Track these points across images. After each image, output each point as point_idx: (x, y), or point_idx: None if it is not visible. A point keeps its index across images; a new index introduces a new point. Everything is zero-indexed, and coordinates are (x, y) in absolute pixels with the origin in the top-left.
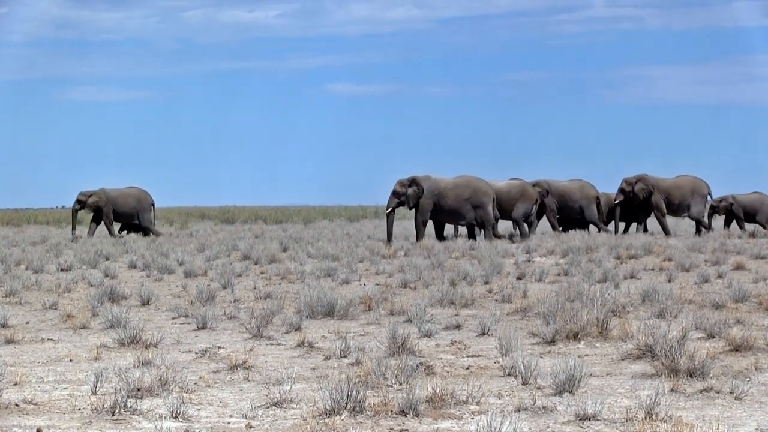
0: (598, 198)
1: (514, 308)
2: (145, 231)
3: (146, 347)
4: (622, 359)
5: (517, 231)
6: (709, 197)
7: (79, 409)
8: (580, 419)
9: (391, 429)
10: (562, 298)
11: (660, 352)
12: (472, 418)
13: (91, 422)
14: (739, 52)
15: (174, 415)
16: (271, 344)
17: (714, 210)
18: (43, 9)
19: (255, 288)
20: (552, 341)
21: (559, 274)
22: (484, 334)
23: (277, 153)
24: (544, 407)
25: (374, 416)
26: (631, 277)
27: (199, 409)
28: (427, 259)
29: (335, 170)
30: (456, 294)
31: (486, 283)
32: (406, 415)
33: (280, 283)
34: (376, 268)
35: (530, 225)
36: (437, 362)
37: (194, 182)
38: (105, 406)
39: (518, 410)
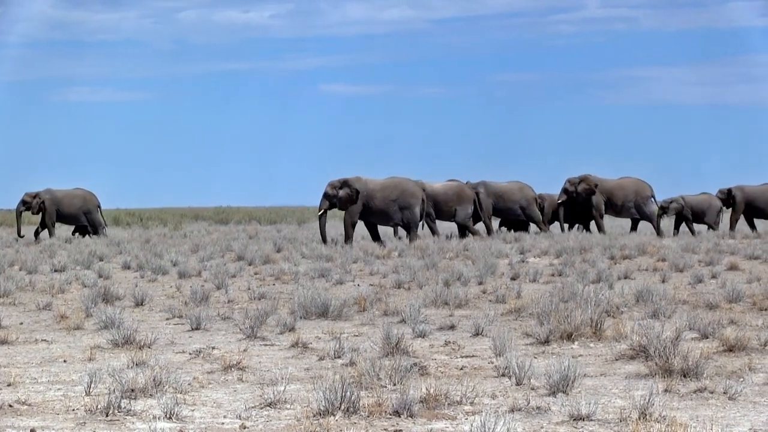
0: (536, 198)
1: (508, 309)
2: (93, 231)
3: (140, 348)
4: (616, 359)
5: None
6: (652, 198)
7: (73, 409)
8: (573, 419)
9: (385, 429)
10: (556, 299)
11: (654, 353)
12: (466, 419)
13: (84, 423)
14: (735, 52)
15: (168, 416)
16: (265, 345)
17: (663, 211)
18: (38, 10)
19: (249, 289)
20: (546, 342)
21: (553, 275)
22: (478, 334)
23: (272, 154)
24: (538, 407)
25: (368, 417)
26: (625, 278)
27: (193, 410)
28: (421, 260)
29: (330, 171)
30: (450, 294)
31: (480, 283)
32: (400, 416)
33: (274, 284)
34: (370, 269)
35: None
36: (431, 363)
37: (188, 183)
38: (99, 406)
39: (512, 410)
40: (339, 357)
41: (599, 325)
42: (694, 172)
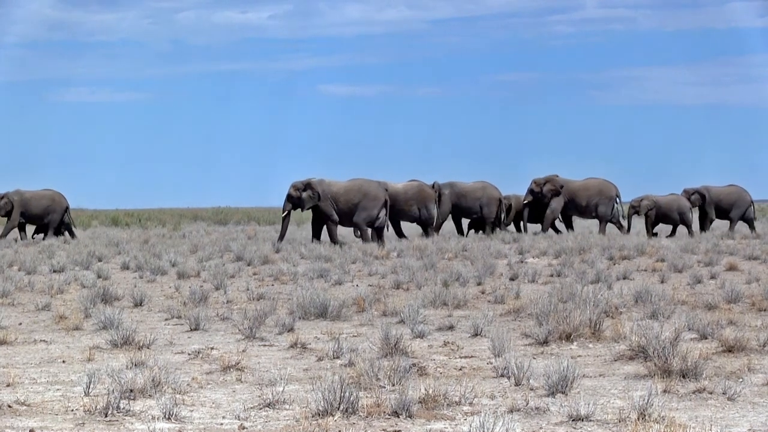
0: (500, 199)
1: (507, 309)
2: (56, 233)
3: (139, 348)
4: (615, 360)
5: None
6: (617, 199)
7: (72, 410)
8: (572, 420)
9: (383, 430)
10: (554, 299)
11: (653, 353)
12: (465, 419)
13: (83, 423)
14: (733, 53)
15: (167, 416)
16: (264, 345)
17: (634, 210)
18: (36, 10)
19: (248, 289)
20: (545, 342)
21: (551, 275)
22: (476, 335)
23: (270, 154)
24: (536, 408)
25: (367, 417)
26: (624, 278)
27: (191, 410)
28: (419, 261)
29: (328, 171)
30: (449, 295)
31: (479, 284)
32: (398, 416)
33: (272, 284)
34: (369, 269)
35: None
36: (430, 363)
37: (187, 183)
38: (98, 407)
39: (511, 411)
40: (338, 357)
41: (598, 326)
42: (694, 172)
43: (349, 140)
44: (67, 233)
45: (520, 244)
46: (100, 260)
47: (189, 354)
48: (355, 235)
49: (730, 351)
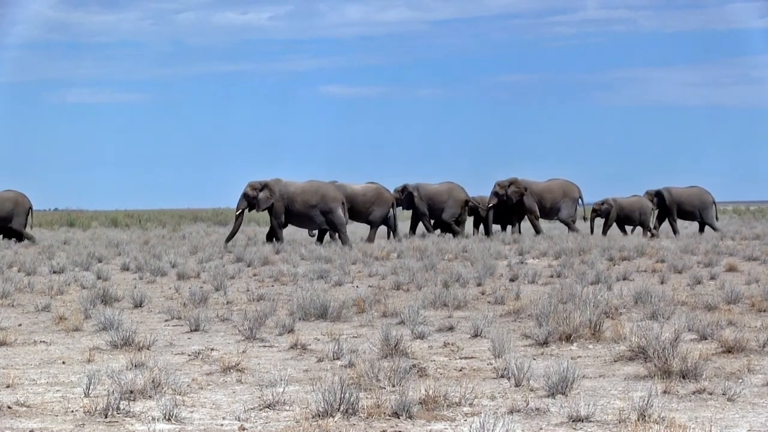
0: (466, 201)
1: (507, 310)
2: (18, 235)
3: (139, 349)
4: (615, 361)
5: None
6: (580, 200)
7: (72, 411)
8: (572, 421)
9: (384, 431)
10: (554, 300)
11: (653, 354)
12: (465, 420)
13: (83, 425)
14: (733, 54)
15: (167, 418)
16: (264, 346)
17: (596, 213)
18: (36, 11)
19: (248, 290)
20: (545, 343)
21: (551, 276)
22: (477, 335)
23: (270, 155)
24: (537, 409)
25: (367, 418)
26: (624, 279)
27: (191, 412)
28: (419, 261)
29: (328, 172)
30: (449, 296)
31: (479, 284)
32: (399, 417)
33: (272, 285)
34: (369, 270)
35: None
36: (430, 364)
37: (187, 184)
38: (98, 408)
39: (511, 412)
40: (338, 358)
41: (598, 327)
42: (693, 172)
43: (349, 141)
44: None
45: (520, 245)
46: (100, 261)
47: (189, 355)
48: (309, 235)
49: (729, 352)
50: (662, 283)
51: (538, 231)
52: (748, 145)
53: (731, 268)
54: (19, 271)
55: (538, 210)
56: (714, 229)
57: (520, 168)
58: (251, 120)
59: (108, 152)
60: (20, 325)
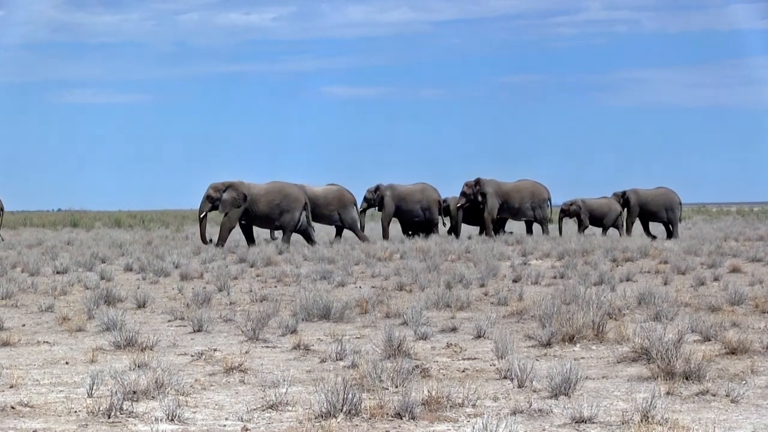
0: (440, 201)
1: (510, 311)
2: None
3: (142, 350)
4: (618, 362)
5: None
6: (548, 202)
7: (75, 411)
8: (575, 422)
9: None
10: (558, 301)
11: (656, 355)
12: (468, 421)
13: (87, 425)
14: (735, 55)
15: (170, 418)
16: (267, 347)
17: (564, 213)
18: (40, 12)
19: (251, 291)
20: (548, 344)
21: (555, 277)
22: (479, 336)
23: (273, 155)
24: (539, 410)
25: (370, 419)
26: (627, 280)
27: (194, 412)
28: (422, 262)
29: (331, 172)
30: (452, 297)
31: (482, 285)
32: (401, 418)
33: (275, 286)
34: (372, 271)
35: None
36: (433, 365)
37: (190, 184)
38: (101, 408)
39: (514, 413)
40: (341, 359)
41: (601, 328)
42: (695, 172)
43: (352, 141)
44: None
45: (523, 246)
46: (103, 262)
47: (192, 355)
48: (272, 237)
49: (733, 353)
50: (665, 284)
51: (489, 233)
52: (750, 146)
53: (735, 269)
54: (22, 272)
55: (496, 211)
56: (674, 230)
57: (520, 168)
58: (254, 120)
59: (111, 153)
60: (24, 325)
